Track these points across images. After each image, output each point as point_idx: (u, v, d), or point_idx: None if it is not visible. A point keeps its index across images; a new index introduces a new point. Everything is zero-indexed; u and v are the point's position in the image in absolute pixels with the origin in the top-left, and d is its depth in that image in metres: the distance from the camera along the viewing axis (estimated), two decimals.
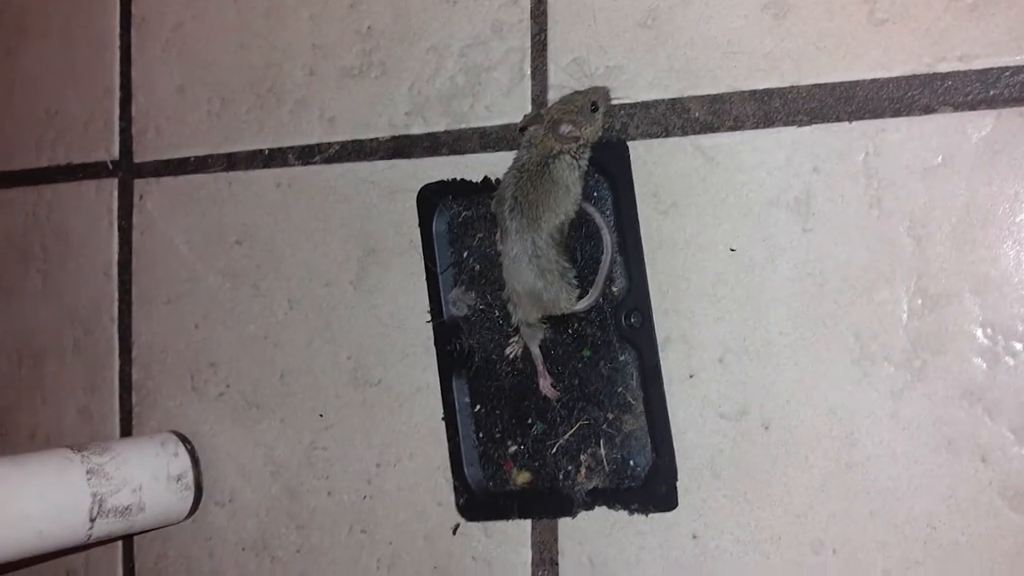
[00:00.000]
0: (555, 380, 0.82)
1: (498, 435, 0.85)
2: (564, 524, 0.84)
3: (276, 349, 0.98)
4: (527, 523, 0.85)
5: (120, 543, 1.07)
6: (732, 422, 0.77)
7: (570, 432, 0.82)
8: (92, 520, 0.92)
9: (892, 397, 0.72)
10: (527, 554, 0.85)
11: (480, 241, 0.85)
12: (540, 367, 0.82)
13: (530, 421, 0.84)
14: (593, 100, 0.77)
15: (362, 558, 0.93)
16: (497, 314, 0.85)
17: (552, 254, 0.77)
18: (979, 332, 0.70)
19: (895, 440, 0.72)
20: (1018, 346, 0.69)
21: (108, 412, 1.09)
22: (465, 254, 0.86)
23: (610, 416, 0.81)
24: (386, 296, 0.92)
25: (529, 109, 0.85)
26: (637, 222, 0.79)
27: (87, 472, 0.92)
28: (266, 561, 0.98)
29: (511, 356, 0.84)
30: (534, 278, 0.77)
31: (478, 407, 0.86)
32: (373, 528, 0.92)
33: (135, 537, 1.06)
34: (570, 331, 0.82)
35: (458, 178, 0.86)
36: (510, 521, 0.85)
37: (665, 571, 0.80)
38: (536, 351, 0.82)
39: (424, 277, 0.87)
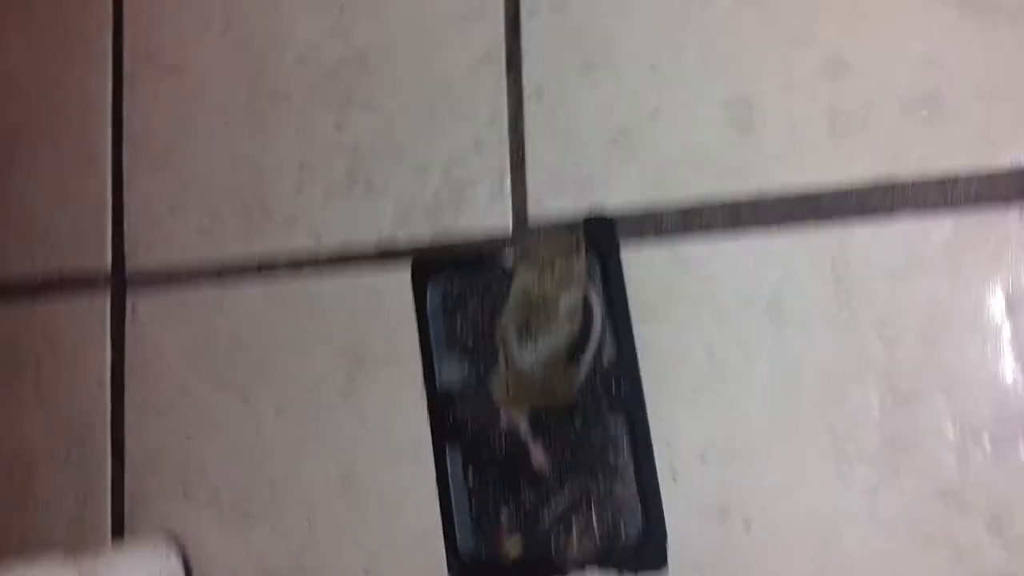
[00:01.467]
0: (547, 451, 0.84)
1: (491, 506, 0.86)
2: None
3: (265, 458, 0.99)
4: None
5: None
6: (715, 522, 0.79)
7: (563, 502, 0.83)
8: None
9: (868, 495, 0.74)
10: None
11: (473, 313, 0.87)
12: (530, 441, 0.84)
13: (523, 491, 0.85)
14: (575, 237, 0.81)
15: None
16: (490, 387, 0.86)
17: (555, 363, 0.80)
18: (949, 428, 0.72)
19: (873, 538, 0.74)
20: (987, 442, 0.71)
21: (100, 519, 1.10)
22: (459, 326, 0.88)
23: (601, 484, 0.82)
24: (375, 405, 0.94)
25: (510, 222, 0.88)
26: (624, 292, 0.81)
27: None
28: None
29: (504, 427, 0.86)
30: (538, 384, 0.80)
31: (471, 478, 0.87)
32: None
33: None
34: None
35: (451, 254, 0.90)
36: None
37: None
38: (526, 427, 0.84)
39: (415, 383, 0.89)
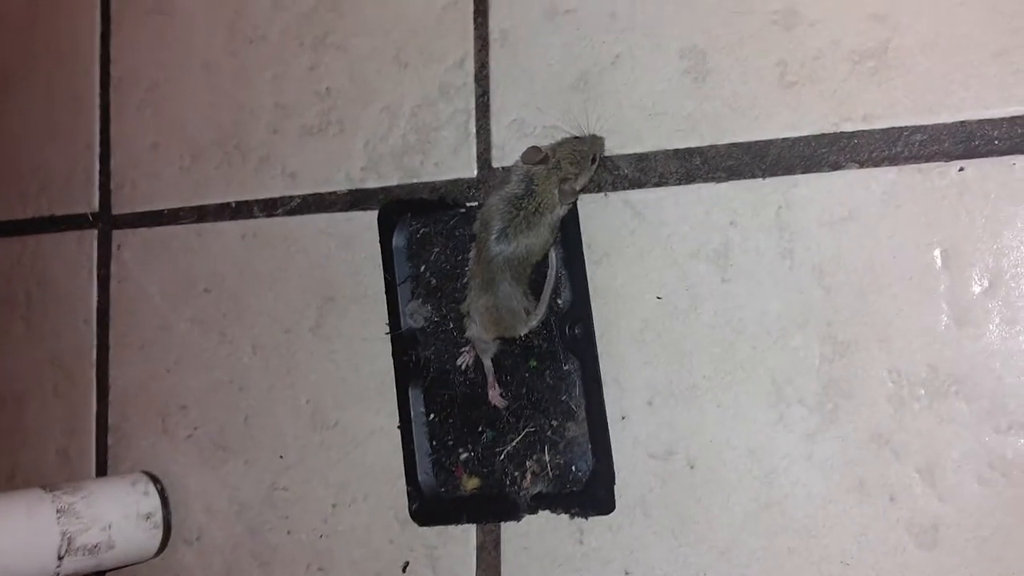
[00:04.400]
0: (504, 389, 0.86)
1: (450, 443, 0.89)
2: (507, 560, 0.87)
3: (241, 393, 1.02)
4: (473, 560, 0.89)
5: None
6: (661, 462, 0.81)
7: (517, 439, 0.86)
8: (60, 558, 0.95)
9: (806, 439, 0.76)
10: None
11: (437, 256, 0.90)
12: (491, 378, 0.86)
13: (480, 429, 0.87)
14: (594, 153, 0.81)
15: None
16: (451, 326, 0.89)
17: (522, 286, 0.81)
18: (886, 377, 0.74)
19: (810, 480, 0.76)
20: (921, 391, 0.72)
21: (85, 453, 1.13)
22: (422, 268, 0.90)
23: (554, 423, 0.84)
24: (343, 342, 0.96)
25: (475, 166, 0.90)
26: (580, 237, 0.83)
27: (57, 511, 0.96)
28: None
29: (463, 366, 0.88)
30: (501, 303, 0.81)
31: (432, 416, 0.90)
32: (329, 566, 0.96)
33: (105, 575, 1.09)
34: (518, 342, 0.85)
35: (417, 197, 0.91)
36: (457, 559, 0.89)
37: None
38: (488, 363, 0.86)
39: (381, 322, 0.91)
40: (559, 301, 0.84)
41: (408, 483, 0.90)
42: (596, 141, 0.82)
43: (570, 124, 0.84)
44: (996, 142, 0.71)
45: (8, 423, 1.20)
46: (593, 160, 0.81)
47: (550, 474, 0.84)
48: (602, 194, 0.83)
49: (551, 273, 0.83)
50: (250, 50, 1.03)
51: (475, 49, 0.90)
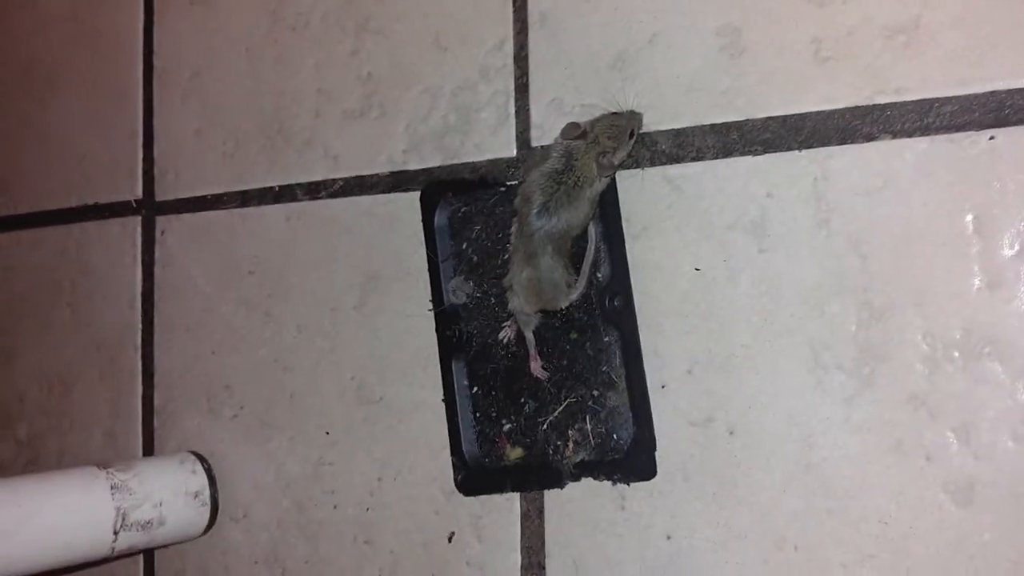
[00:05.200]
0: (545, 361, 0.89)
1: (493, 414, 0.91)
2: (551, 527, 0.90)
3: (285, 372, 1.05)
4: (517, 528, 0.91)
5: (141, 558, 1.14)
6: (700, 429, 0.83)
7: (559, 409, 0.88)
8: (116, 533, 0.98)
9: (844, 403, 0.78)
10: (516, 558, 0.91)
11: (478, 234, 0.92)
12: (532, 350, 0.88)
13: (523, 400, 0.90)
14: (631, 127, 0.83)
15: (365, 567, 0.99)
16: (493, 301, 0.91)
17: (563, 259, 0.84)
18: (920, 340, 0.76)
19: (848, 443, 0.78)
20: (955, 353, 0.75)
21: (132, 434, 1.16)
22: (464, 246, 0.93)
23: (595, 393, 0.87)
24: (386, 319, 0.99)
25: (514, 146, 0.92)
26: (619, 212, 0.85)
27: (111, 487, 0.99)
28: (277, 573, 1.04)
29: (505, 340, 0.90)
30: (543, 276, 0.83)
31: (475, 389, 0.92)
32: (375, 538, 0.99)
33: (155, 553, 1.12)
34: (559, 315, 0.87)
35: (458, 177, 0.94)
36: (501, 527, 0.91)
37: (643, 571, 0.85)
38: (530, 336, 0.88)
39: (423, 299, 0.94)
40: (599, 274, 0.86)
41: (453, 454, 0.92)
42: (634, 116, 0.84)
43: (608, 102, 0.86)
44: None
45: (56, 407, 1.23)
46: (631, 135, 0.83)
47: (592, 442, 0.87)
48: (639, 169, 0.85)
49: (590, 247, 0.85)
50: (292, 37, 1.05)
51: (514, 31, 0.93)
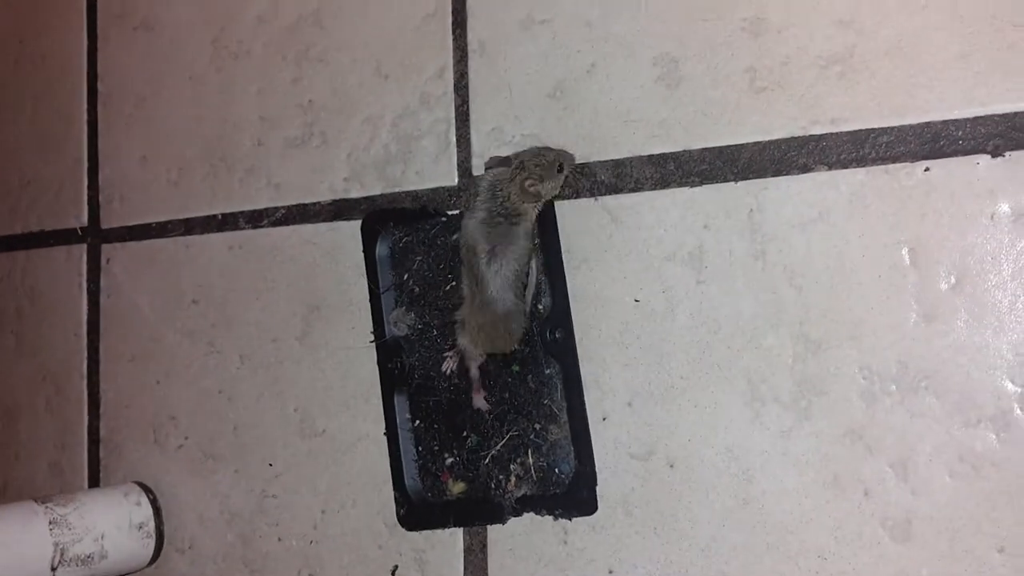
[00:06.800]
0: (487, 394, 0.88)
1: (436, 448, 0.90)
2: (494, 562, 0.88)
3: (229, 403, 1.04)
4: (460, 562, 0.90)
5: None
6: (641, 462, 0.82)
7: (501, 443, 0.87)
8: (53, 569, 0.96)
9: (782, 436, 0.77)
10: None
11: (419, 264, 0.91)
12: (475, 383, 0.87)
13: (465, 434, 0.89)
14: (560, 161, 0.83)
15: None
16: (435, 333, 0.90)
17: (521, 304, 0.83)
18: (857, 373, 0.75)
19: (786, 476, 0.77)
20: (892, 387, 0.74)
21: (78, 465, 1.15)
22: (405, 276, 0.92)
23: (537, 427, 0.86)
24: (329, 350, 0.98)
25: (456, 174, 0.91)
26: (559, 244, 0.84)
27: (50, 522, 0.97)
28: None
29: (447, 371, 0.89)
30: (499, 323, 0.83)
31: (417, 422, 0.91)
32: (320, 571, 0.97)
33: None
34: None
35: (399, 207, 0.93)
36: (445, 562, 0.90)
37: None
38: (475, 371, 0.87)
39: (366, 330, 0.93)
40: (540, 307, 0.85)
41: (395, 489, 0.91)
42: (564, 154, 0.83)
43: (547, 132, 0.86)
44: (960, 142, 0.73)
45: (1, 437, 1.21)
46: (560, 169, 0.82)
47: (534, 476, 0.86)
48: (580, 199, 0.85)
49: (531, 279, 0.84)
50: (235, 64, 1.04)
51: (454, 60, 0.92)
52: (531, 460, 0.86)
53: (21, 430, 1.19)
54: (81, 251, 1.16)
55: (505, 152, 0.84)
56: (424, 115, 0.93)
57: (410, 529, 0.91)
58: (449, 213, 0.90)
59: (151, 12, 1.11)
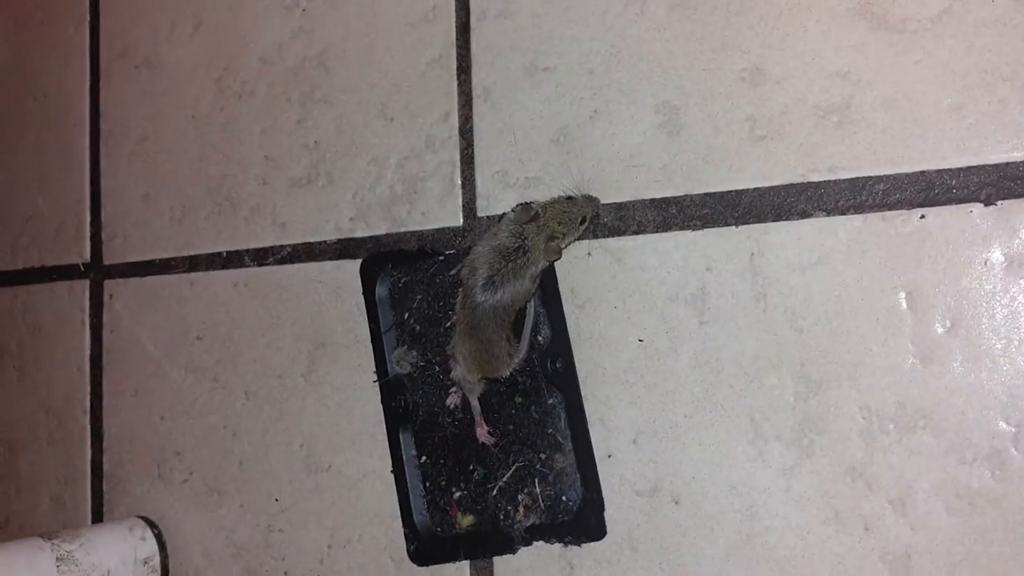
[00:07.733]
0: (491, 427, 0.89)
1: (443, 483, 0.92)
2: None
3: (235, 438, 1.05)
4: None
5: None
6: (646, 498, 0.84)
7: (508, 474, 0.89)
8: None
9: (784, 474, 0.80)
10: None
11: (419, 303, 0.93)
12: (478, 417, 0.89)
13: (471, 467, 0.91)
14: (584, 215, 0.85)
15: None
16: (438, 370, 0.92)
17: (505, 331, 0.85)
18: (857, 413, 0.77)
19: (789, 513, 0.79)
20: (891, 426, 0.76)
21: (80, 499, 1.16)
22: (406, 315, 0.94)
23: (543, 456, 0.88)
24: (334, 387, 0.99)
25: (460, 215, 0.93)
26: (555, 275, 0.87)
27: (57, 559, 0.98)
28: None
29: (451, 406, 0.91)
30: (484, 348, 0.85)
31: (424, 458, 0.93)
32: None
33: None
34: (504, 380, 0.88)
35: (397, 248, 0.95)
36: None
37: None
38: (475, 403, 0.89)
39: (371, 366, 0.95)
40: (539, 338, 0.87)
41: (404, 525, 0.92)
42: (589, 202, 0.85)
43: (551, 176, 0.88)
44: (954, 191, 0.75)
45: (2, 471, 1.22)
46: (583, 221, 0.85)
47: (542, 505, 0.87)
48: (582, 239, 0.87)
49: (530, 313, 0.87)
50: (238, 104, 1.06)
51: (459, 104, 0.94)
52: (538, 489, 0.88)
53: (23, 464, 1.20)
54: (84, 287, 1.17)
55: (512, 193, 0.86)
56: (430, 157, 0.95)
57: (421, 564, 0.92)
58: (447, 252, 0.92)
59: (153, 52, 1.12)
